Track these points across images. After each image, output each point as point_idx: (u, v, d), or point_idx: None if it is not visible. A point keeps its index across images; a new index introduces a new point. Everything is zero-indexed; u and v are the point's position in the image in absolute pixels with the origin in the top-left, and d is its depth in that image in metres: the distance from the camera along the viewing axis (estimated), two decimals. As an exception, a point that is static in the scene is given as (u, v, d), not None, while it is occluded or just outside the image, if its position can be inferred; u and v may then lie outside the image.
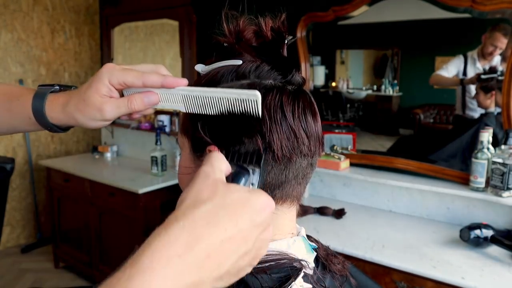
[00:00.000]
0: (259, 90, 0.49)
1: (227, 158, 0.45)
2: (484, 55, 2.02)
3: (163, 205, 2.68)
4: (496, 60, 1.99)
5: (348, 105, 2.62)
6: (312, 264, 0.55)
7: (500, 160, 1.72)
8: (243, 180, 0.44)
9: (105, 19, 3.48)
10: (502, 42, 1.96)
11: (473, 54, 2.07)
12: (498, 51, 1.97)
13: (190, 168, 0.54)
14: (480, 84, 2.02)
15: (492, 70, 1.98)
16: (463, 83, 2.11)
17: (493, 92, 1.97)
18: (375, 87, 2.59)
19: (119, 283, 0.31)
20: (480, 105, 2.04)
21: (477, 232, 1.61)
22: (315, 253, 0.56)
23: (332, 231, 1.87)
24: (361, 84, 2.67)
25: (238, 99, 0.47)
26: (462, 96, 2.15)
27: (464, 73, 2.10)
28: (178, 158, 2.85)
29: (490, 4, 1.75)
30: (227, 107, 0.48)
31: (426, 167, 2.04)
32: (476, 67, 2.06)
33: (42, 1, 3.38)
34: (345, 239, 1.77)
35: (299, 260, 0.52)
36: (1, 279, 3.04)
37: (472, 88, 2.11)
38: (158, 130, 2.87)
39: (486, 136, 1.79)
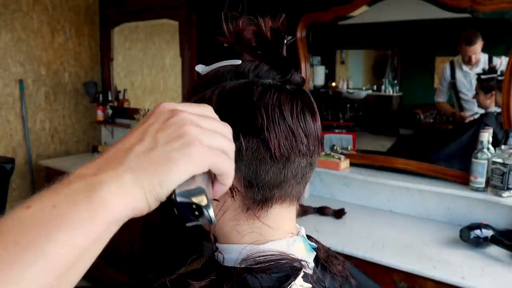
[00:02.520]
0: (257, 89, 0.49)
1: None
2: (466, 62, 2.06)
3: (162, 204, 2.68)
4: (483, 61, 2.02)
5: (348, 105, 2.63)
6: (312, 264, 0.55)
7: (500, 160, 1.72)
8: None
9: (105, 19, 3.47)
10: (471, 51, 2.01)
11: (458, 59, 2.13)
12: (475, 57, 2.02)
13: None
14: (480, 84, 2.02)
15: (492, 70, 1.98)
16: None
17: (493, 92, 1.97)
18: (375, 87, 2.59)
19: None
20: (480, 105, 2.05)
21: (477, 232, 1.61)
22: (314, 253, 0.56)
23: (332, 231, 1.86)
24: (361, 84, 2.67)
25: None
26: (457, 100, 2.18)
27: (453, 76, 2.13)
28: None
29: (490, 4, 1.75)
30: None
31: (426, 167, 2.04)
32: (464, 71, 2.10)
33: (42, 1, 3.38)
34: (345, 239, 1.76)
35: (299, 260, 0.52)
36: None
37: (464, 91, 2.13)
38: (158, 130, 2.86)
39: (486, 136, 1.79)
